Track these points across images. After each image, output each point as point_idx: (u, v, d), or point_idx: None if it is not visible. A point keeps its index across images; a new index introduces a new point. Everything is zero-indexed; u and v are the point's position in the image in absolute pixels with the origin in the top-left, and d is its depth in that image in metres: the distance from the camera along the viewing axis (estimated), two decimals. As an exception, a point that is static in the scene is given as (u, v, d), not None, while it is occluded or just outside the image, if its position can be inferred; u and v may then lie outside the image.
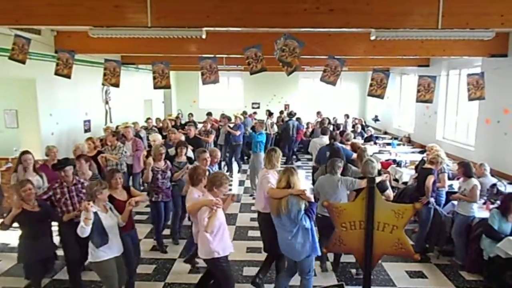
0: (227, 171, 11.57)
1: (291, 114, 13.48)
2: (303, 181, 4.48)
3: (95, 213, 4.07)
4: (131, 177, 8.56)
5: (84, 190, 4.93)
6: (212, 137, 10.41)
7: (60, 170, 4.94)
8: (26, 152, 5.81)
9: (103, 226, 4.12)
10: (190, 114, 13.93)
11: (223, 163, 11.78)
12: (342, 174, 5.45)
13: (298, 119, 13.74)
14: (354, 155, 7.04)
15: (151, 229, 6.92)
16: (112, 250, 4.21)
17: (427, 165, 6.09)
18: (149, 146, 9.07)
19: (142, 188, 8.68)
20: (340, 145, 8.15)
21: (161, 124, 11.86)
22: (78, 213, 4.55)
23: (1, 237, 6.23)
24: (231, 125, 11.72)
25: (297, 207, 4.09)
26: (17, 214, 4.36)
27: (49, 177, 5.79)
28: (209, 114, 13.77)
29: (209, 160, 5.80)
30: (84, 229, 3.97)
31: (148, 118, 12.02)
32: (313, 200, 4.25)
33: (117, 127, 10.07)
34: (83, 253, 4.67)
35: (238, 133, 11.14)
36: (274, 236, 4.49)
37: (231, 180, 10.89)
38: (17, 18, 4.65)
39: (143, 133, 10.38)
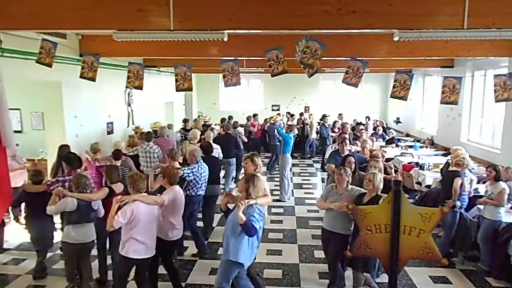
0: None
1: (323, 119, 13.56)
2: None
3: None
4: None
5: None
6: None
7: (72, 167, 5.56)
8: (65, 145, 6.75)
9: None
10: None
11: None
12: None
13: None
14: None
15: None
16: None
17: (453, 168, 5.96)
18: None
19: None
20: (354, 149, 8.12)
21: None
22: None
23: (27, 236, 6.39)
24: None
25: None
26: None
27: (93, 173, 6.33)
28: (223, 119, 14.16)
29: None
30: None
31: (186, 120, 12.94)
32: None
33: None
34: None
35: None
36: None
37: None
38: (43, 23, 4.76)
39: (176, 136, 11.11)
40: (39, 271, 5.52)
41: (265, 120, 14.23)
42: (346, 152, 6.82)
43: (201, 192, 6.28)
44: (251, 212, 4.02)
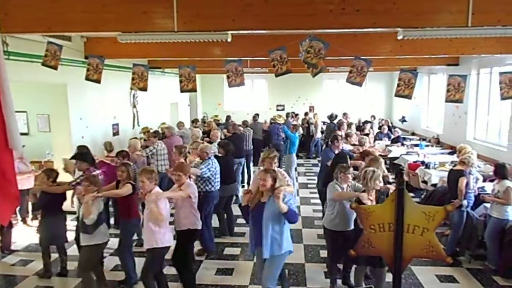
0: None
1: (332, 117, 13.53)
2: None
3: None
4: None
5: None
6: None
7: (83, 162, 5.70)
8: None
9: None
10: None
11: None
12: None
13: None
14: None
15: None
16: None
17: (457, 167, 5.93)
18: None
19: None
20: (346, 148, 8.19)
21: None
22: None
23: (35, 238, 6.45)
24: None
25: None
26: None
27: (108, 172, 6.42)
28: (228, 116, 14.64)
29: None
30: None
31: (193, 121, 13.23)
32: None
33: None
34: None
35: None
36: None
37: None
38: (49, 26, 4.81)
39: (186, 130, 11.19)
40: (48, 271, 5.58)
41: (271, 120, 14.16)
42: (338, 150, 6.92)
43: (218, 187, 6.39)
44: (287, 199, 4.03)
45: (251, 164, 10.96)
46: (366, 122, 13.57)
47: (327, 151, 7.18)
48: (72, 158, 6.06)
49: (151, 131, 10.06)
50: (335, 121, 13.33)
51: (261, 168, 5.26)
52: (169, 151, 8.57)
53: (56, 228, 5.46)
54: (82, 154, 6.01)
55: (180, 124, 11.59)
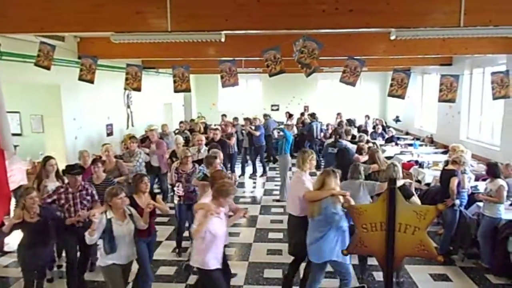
0: (252, 173, 11.79)
1: (313, 116, 13.49)
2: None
3: (109, 220, 4.09)
4: (157, 179, 8.91)
5: (88, 197, 5.02)
6: (233, 140, 10.40)
7: (73, 175, 4.94)
8: (50, 157, 5.78)
9: (114, 235, 4.07)
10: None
11: (246, 165, 12.05)
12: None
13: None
14: (360, 157, 7.23)
15: (172, 231, 7.00)
16: (120, 257, 4.19)
17: (449, 166, 5.97)
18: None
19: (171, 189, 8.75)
20: (345, 143, 8.24)
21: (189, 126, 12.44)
22: (80, 218, 4.81)
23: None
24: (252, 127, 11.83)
25: (331, 209, 4.07)
26: (16, 223, 4.39)
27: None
28: (223, 115, 14.16)
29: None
30: (89, 239, 4.06)
31: (181, 122, 12.34)
32: (352, 202, 4.12)
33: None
34: (86, 255, 5.11)
35: (258, 133, 11.29)
36: (304, 240, 4.50)
37: (254, 182, 11.01)
38: (42, 26, 4.78)
39: (172, 136, 10.44)
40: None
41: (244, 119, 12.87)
42: None
43: None
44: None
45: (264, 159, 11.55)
46: (351, 124, 13.34)
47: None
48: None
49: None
50: (317, 121, 13.34)
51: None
52: (159, 158, 8.56)
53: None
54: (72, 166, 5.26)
55: (164, 127, 10.85)
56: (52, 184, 5.49)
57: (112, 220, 4.10)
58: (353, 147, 8.15)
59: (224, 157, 7.29)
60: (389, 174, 5.28)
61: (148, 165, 8.47)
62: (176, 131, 11.68)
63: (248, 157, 12.02)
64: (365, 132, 11.65)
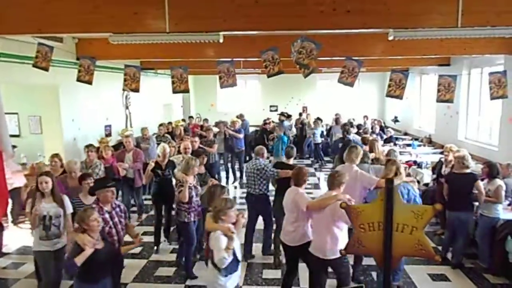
0: (232, 180, 11.01)
1: (284, 115, 13.99)
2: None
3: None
4: (133, 192, 7.98)
5: (123, 215, 4.32)
6: (215, 147, 9.18)
7: (109, 188, 4.16)
8: (44, 173, 4.51)
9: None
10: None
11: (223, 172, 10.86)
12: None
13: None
14: (365, 147, 7.42)
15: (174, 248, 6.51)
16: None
17: (461, 170, 5.68)
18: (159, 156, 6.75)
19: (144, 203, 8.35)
20: (352, 137, 8.58)
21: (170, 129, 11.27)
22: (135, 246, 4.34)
23: (26, 240, 6.41)
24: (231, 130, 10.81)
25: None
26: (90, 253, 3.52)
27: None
28: (205, 120, 13.88)
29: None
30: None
31: (160, 125, 10.37)
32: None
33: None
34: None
35: (241, 135, 10.69)
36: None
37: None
38: (40, 27, 4.79)
39: (153, 141, 9.38)
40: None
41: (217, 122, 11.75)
42: None
43: None
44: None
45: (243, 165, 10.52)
46: (360, 128, 13.22)
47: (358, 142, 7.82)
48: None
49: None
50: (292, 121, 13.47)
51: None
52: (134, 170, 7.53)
53: None
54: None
55: (144, 131, 9.46)
56: (49, 205, 4.40)
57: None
58: (359, 140, 8.82)
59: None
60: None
61: (123, 177, 7.49)
62: (154, 135, 10.25)
63: (222, 162, 10.74)
64: (365, 132, 11.71)
